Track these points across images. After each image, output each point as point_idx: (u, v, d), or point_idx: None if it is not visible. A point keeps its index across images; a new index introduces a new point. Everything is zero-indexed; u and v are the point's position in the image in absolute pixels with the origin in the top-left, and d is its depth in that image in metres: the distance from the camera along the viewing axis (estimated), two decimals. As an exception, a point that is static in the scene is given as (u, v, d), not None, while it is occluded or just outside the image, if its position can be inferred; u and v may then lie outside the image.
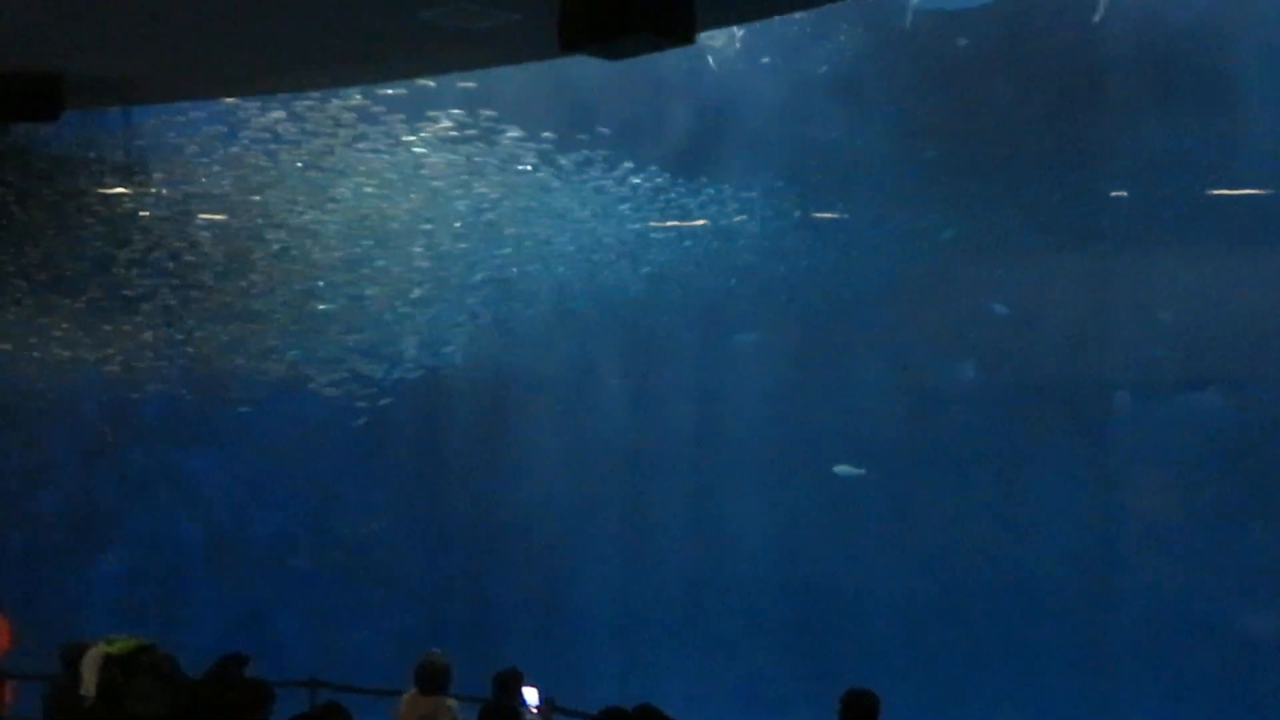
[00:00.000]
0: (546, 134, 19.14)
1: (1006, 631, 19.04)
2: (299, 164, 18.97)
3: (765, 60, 19.96)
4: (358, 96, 17.95)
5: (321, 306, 19.29)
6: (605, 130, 19.45)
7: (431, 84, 17.66)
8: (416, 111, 18.64)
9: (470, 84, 18.23)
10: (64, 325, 18.42)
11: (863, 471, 20.18)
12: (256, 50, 11.30)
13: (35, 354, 18.48)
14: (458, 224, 19.60)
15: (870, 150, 19.65)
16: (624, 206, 19.98)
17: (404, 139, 18.84)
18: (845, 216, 20.52)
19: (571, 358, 20.66)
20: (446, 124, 18.71)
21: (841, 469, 20.25)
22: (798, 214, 20.27)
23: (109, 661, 9.37)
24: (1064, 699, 18.48)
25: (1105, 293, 19.69)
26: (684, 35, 9.41)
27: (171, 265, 18.44)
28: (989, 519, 19.73)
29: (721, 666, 19.55)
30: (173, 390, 19.33)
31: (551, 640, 19.12)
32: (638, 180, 19.83)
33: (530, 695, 9.78)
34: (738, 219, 20.31)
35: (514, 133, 18.93)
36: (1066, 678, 18.71)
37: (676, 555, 20.20)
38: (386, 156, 18.94)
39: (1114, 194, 19.95)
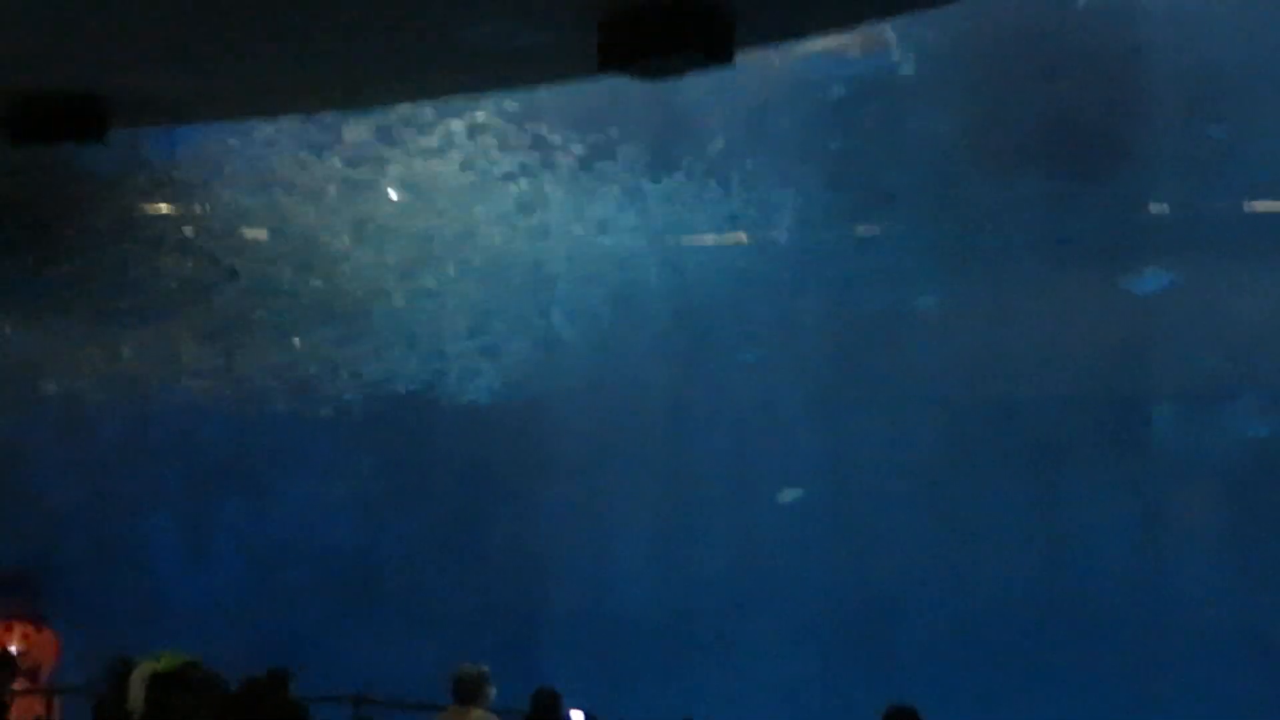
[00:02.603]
0: (581, 141, 19.23)
1: (1049, 645, 18.96)
2: (341, 178, 19.08)
3: (806, 67, 19.92)
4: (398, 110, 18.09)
5: (365, 316, 19.41)
6: (641, 138, 19.51)
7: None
8: (444, 120, 18.77)
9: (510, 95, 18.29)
10: (114, 340, 18.57)
11: (800, 493, 20.18)
12: (298, 70, 11.41)
13: (86, 368, 18.63)
14: (496, 235, 19.68)
15: (913, 162, 19.61)
16: (657, 216, 20.01)
17: (442, 150, 18.95)
18: (886, 228, 20.47)
19: (609, 368, 20.66)
20: (483, 131, 18.85)
21: (785, 494, 20.27)
22: (839, 227, 20.24)
23: (155, 678, 9.44)
24: (1108, 713, 18.40)
25: (1146, 304, 19.61)
26: (723, 56, 9.46)
27: (215, 281, 18.56)
28: (1033, 532, 19.65)
29: (763, 680, 19.51)
30: (215, 405, 19.42)
31: (592, 655, 19.11)
32: (672, 188, 19.86)
33: (576, 718, 9.79)
34: (777, 231, 20.31)
35: (551, 140, 19.04)
36: (1110, 691, 18.63)
37: (718, 568, 20.17)
38: (427, 165, 19.03)
39: (1155, 204, 19.87)
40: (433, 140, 18.96)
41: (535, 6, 9.45)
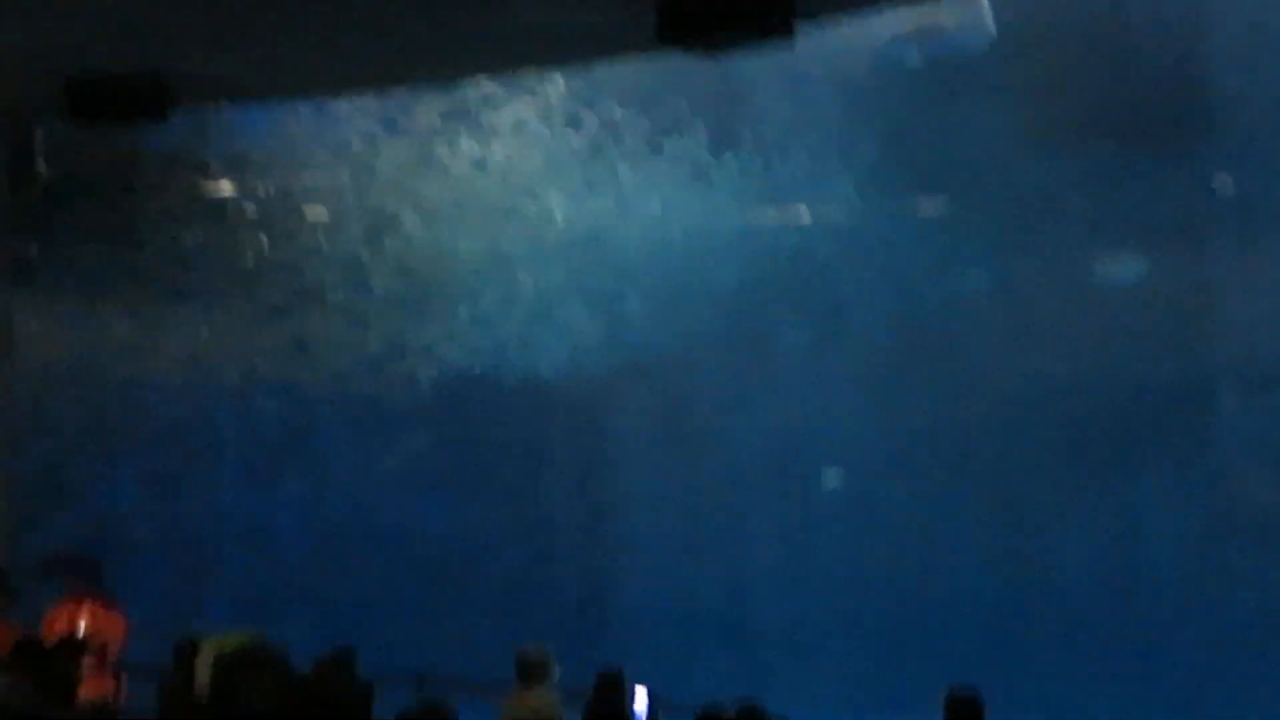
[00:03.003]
0: (645, 118, 19.18)
1: (1111, 634, 18.82)
2: (410, 157, 19.12)
3: (871, 42, 19.78)
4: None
5: (430, 298, 19.45)
6: (704, 115, 19.44)
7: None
8: (511, 98, 18.79)
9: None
10: (178, 320, 18.69)
11: (855, 477, 20.11)
12: (360, 49, 11.45)
13: (150, 348, 18.75)
14: (561, 213, 19.67)
15: (978, 140, 19.45)
16: (720, 194, 19.93)
17: (511, 128, 18.98)
18: (951, 209, 20.32)
19: (671, 348, 20.60)
20: (550, 109, 18.87)
21: (835, 479, 20.20)
22: (900, 205, 20.12)
23: (222, 657, 9.50)
24: (1169, 707, 18.25)
25: (1212, 285, 19.39)
26: (783, 31, 9.40)
27: (277, 261, 18.65)
28: (1093, 519, 19.49)
29: (828, 665, 19.48)
30: (281, 384, 19.51)
31: (654, 636, 19.12)
32: (735, 166, 19.78)
33: (640, 695, 9.80)
34: (837, 209, 20.20)
35: (616, 117, 19.03)
36: (1173, 686, 18.46)
37: (777, 552, 20.13)
38: (496, 144, 19.05)
39: (1218, 182, 19.61)
40: (502, 118, 18.96)
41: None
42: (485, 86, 18.35)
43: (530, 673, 9.65)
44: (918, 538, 19.60)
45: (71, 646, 10.59)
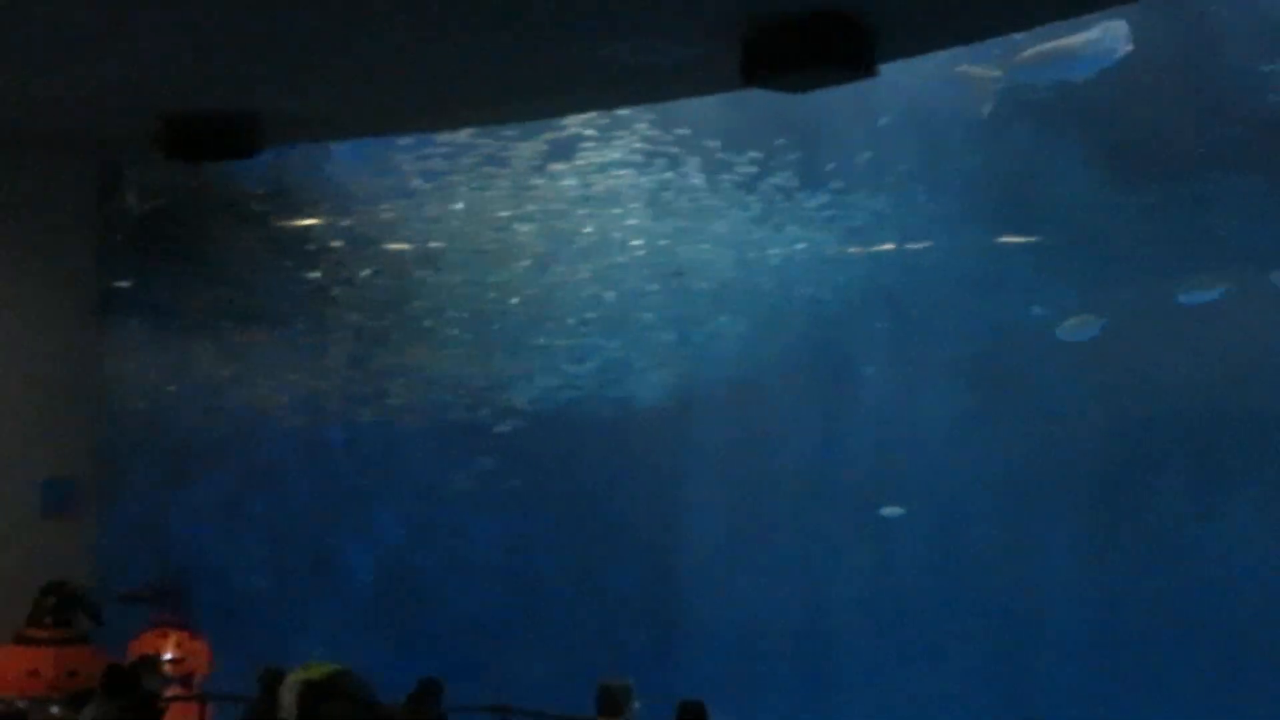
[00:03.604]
0: (735, 152, 19.29)
1: (1202, 663, 18.63)
2: (483, 191, 19.28)
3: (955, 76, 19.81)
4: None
5: (510, 328, 19.60)
6: (787, 149, 19.54)
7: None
8: (603, 134, 18.96)
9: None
10: (258, 354, 18.88)
11: (902, 511, 20.05)
12: (444, 86, 11.57)
13: (234, 380, 18.95)
14: (638, 244, 19.80)
15: (1061, 174, 19.42)
16: (806, 226, 20.00)
17: (596, 163, 19.15)
18: (1035, 240, 20.24)
19: (750, 378, 20.64)
20: (629, 143, 19.00)
21: (888, 510, 20.14)
22: (982, 238, 20.08)
23: (306, 686, 9.61)
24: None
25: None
26: (866, 69, 9.45)
27: (363, 295, 18.84)
28: (1182, 546, 19.33)
29: (904, 689, 19.40)
30: (364, 415, 19.67)
31: (733, 664, 19.10)
32: (821, 199, 19.86)
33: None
34: (924, 244, 20.20)
35: (705, 151, 19.15)
36: (1257, 712, 18.26)
37: (858, 577, 20.07)
38: (571, 180, 19.22)
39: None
40: (594, 153, 19.14)
41: (680, 22, 9.49)
42: (577, 123, 18.56)
43: (611, 704, 9.68)
44: (999, 565, 19.50)
45: (147, 669, 10.71)
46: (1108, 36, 17.29)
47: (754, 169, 19.49)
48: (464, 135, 18.32)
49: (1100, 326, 19.58)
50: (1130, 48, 17.27)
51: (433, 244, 19.35)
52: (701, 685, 10.81)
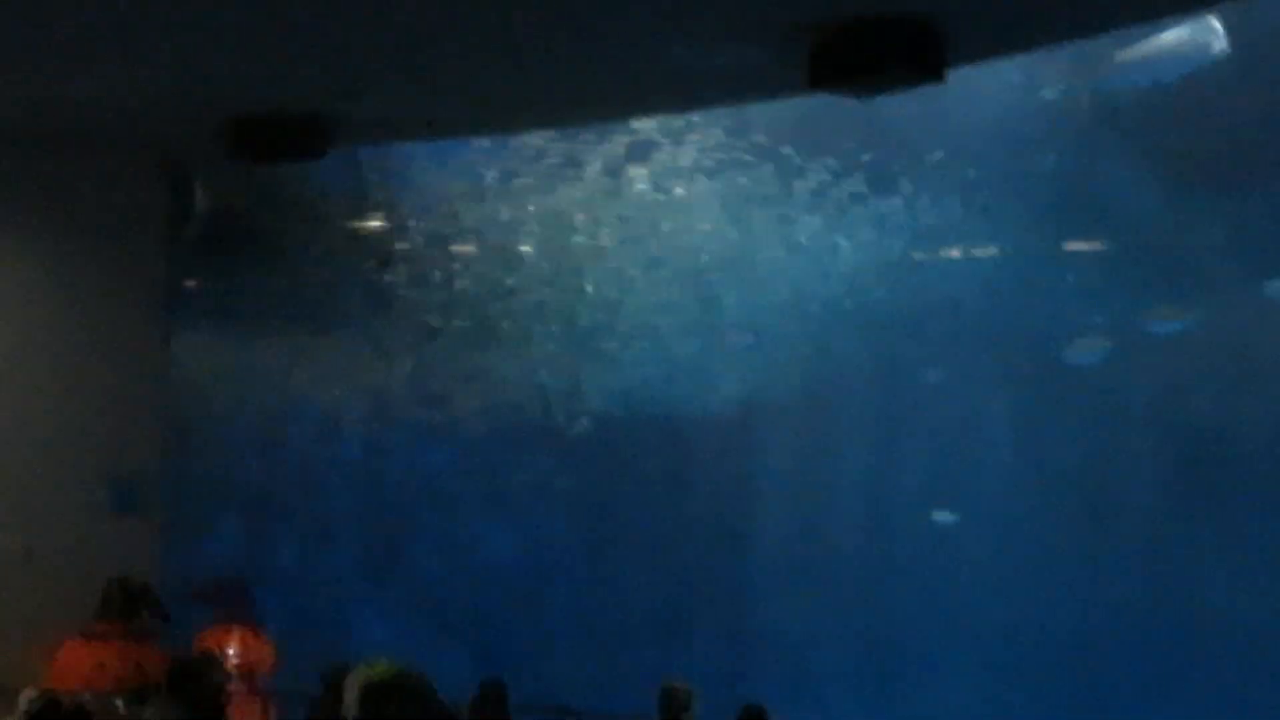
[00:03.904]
0: (808, 156, 19.29)
1: (1245, 681, 18.44)
2: (557, 194, 19.34)
3: (1021, 84, 19.73)
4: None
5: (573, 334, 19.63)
6: (858, 154, 19.52)
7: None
8: (675, 138, 19.03)
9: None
10: (325, 354, 18.97)
11: (956, 518, 19.95)
12: (512, 90, 11.62)
13: (304, 380, 19.05)
14: (708, 249, 19.81)
15: (1132, 180, 19.30)
16: (876, 231, 19.97)
17: (657, 166, 19.20)
18: (1104, 247, 20.11)
19: (816, 383, 20.60)
20: (702, 147, 19.04)
21: (940, 516, 20.05)
22: (1050, 243, 19.97)
23: (370, 685, 9.64)
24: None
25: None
26: (934, 73, 9.43)
27: (434, 296, 18.91)
28: (1257, 555, 19.14)
29: (973, 701, 19.31)
30: (432, 417, 19.74)
31: (797, 674, 19.06)
32: (890, 205, 19.84)
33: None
34: (990, 250, 20.13)
35: (776, 155, 19.16)
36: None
37: (919, 590, 19.99)
38: (645, 184, 19.27)
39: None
40: (662, 158, 19.20)
41: (747, 27, 9.50)
42: (651, 127, 18.62)
43: (673, 706, 9.69)
44: (1062, 574, 19.38)
45: (210, 665, 10.77)
46: (1200, 36, 17.05)
47: (826, 175, 19.48)
48: (536, 138, 18.37)
49: (1106, 351, 19.60)
50: (1225, 47, 17.05)
51: (505, 246, 19.42)
52: (763, 690, 10.82)
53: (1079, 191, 19.68)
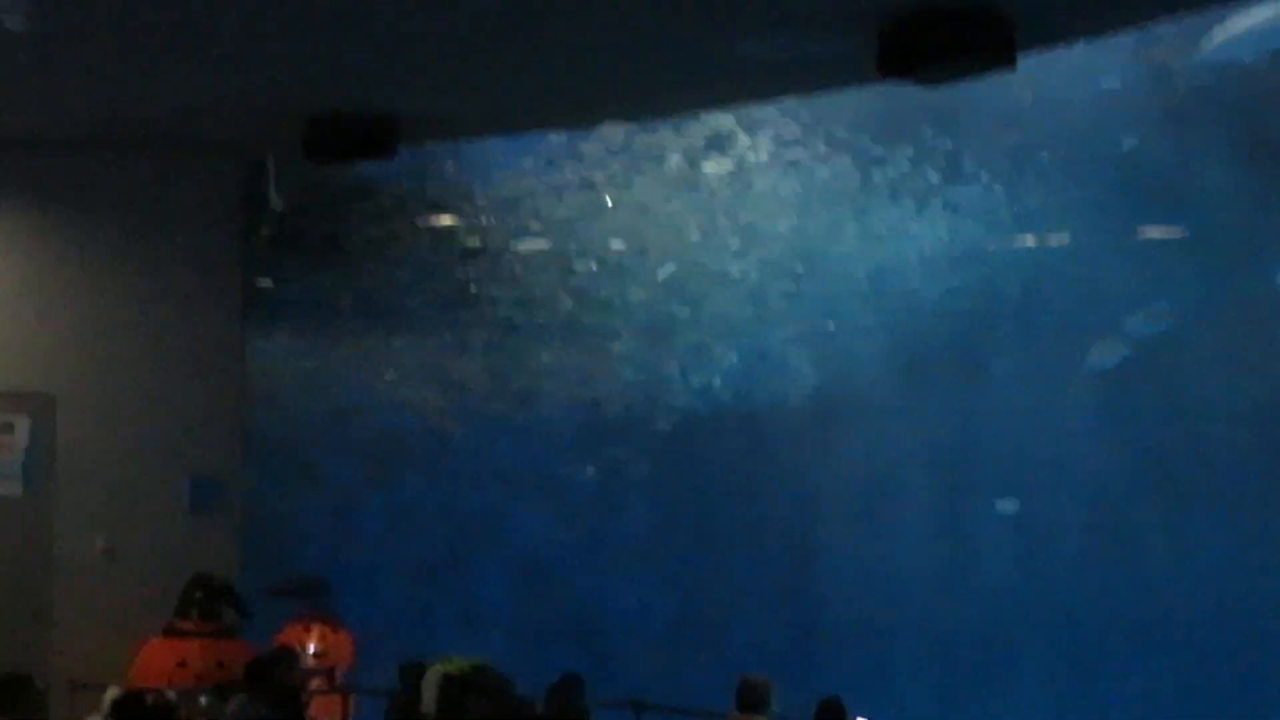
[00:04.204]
0: (871, 145, 19.26)
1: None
2: (619, 190, 19.34)
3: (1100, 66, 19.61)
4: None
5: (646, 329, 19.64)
6: (933, 142, 19.48)
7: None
8: (751, 129, 19.02)
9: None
10: (406, 352, 19.06)
11: (1016, 505, 19.84)
12: (581, 84, 11.63)
13: (374, 378, 19.14)
14: (784, 240, 19.76)
15: (1206, 169, 19.13)
16: (945, 221, 19.89)
17: (734, 157, 19.18)
18: (1179, 235, 19.95)
19: (889, 373, 20.53)
20: (779, 138, 19.02)
21: (1002, 504, 19.95)
22: (1123, 231, 19.82)
23: (448, 680, 9.71)
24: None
25: None
26: (1005, 61, 9.36)
27: (510, 292, 18.95)
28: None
29: (1047, 690, 19.21)
30: (501, 413, 19.79)
31: (873, 664, 19.00)
32: (963, 194, 19.76)
33: (859, 725, 9.76)
34: (1062, 237, 20.00)
35: (846, 144, 19.13)
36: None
37: (997, 577, 19.87)
38: (722, 176, 19.27)
39: None
40: (734, 151, 19.20)
41: (816, 16, 9.47)
42: (728, 118, 18.61)
43: (751, 700, 9.68)
44: (1134, 559, 19.25)
45: (288, 659, 10.87)
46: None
47: (904, 164, 19.47)
48: (612, 131, 18.40)
49: (1122, 355, 19.41)
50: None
51: (584, 241, 19.45)
52: (840, 681, 10.78)
53: (1155, 176, 19.54)
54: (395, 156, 12.66)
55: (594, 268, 19.38)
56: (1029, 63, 9.86)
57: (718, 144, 19.08)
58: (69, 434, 13.31)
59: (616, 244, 19.45)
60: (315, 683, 13.48)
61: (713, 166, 19.21)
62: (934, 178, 19.63)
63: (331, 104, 11.85)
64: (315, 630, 14.41)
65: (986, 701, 19.15)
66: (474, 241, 18.97)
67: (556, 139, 18.40)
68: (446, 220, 18.84)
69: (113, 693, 9.78)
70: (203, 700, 11.00)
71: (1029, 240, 20.27)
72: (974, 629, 19.72)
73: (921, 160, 19.51)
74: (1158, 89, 19.39)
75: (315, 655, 14.18)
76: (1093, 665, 19.20)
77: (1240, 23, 17.26)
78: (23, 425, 13.26)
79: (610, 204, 19.27)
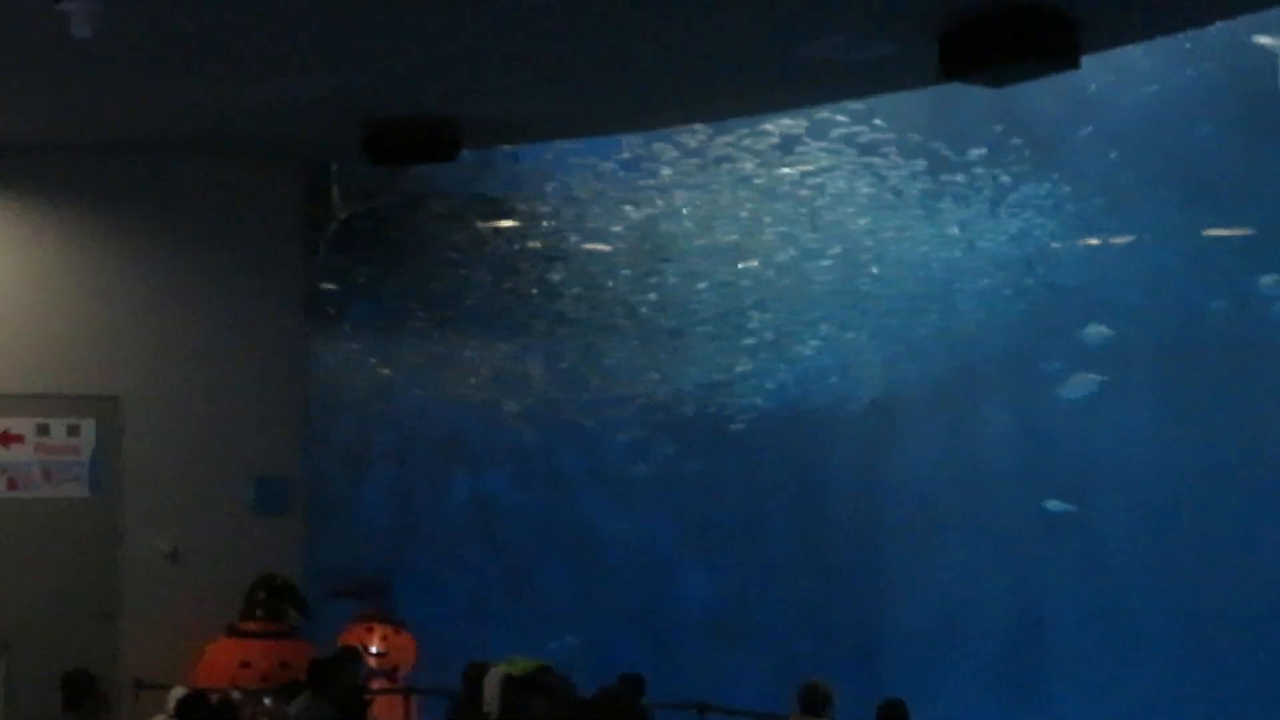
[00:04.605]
0: (943, 148, 19.22)
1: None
2: (680, 192, 19.34)
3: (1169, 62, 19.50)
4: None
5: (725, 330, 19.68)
6: (1001, 143, 19.44)
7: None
8: (817, 131, 19.02)
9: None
10: (460, 353, 19.12)
11: (1073, 508, 19.71)
12: (642, 88, 11.65)
13: (436, 381, 19.20)
14: (849, 242, 19.73)
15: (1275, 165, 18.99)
16: (1014, 221, 19.83)
17: (801, 159, 19.17)
18: (1246, 232, 19.79)
19: (953, 374, 20.46)
20: (847, 139, 19.01)
21: (1053, 504, 19.82)
22: (1195, 228, 19.70)
23: (510, 681, 9.75)
24: None
25: None
26: (1069, 60, 9.31)
27: (575, 294, 18.99)
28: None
29: (1114, 691, 19.08)
30: (564, 415, 19.83)
31: (937, 668, 18.93)
32: (1030, 194, 19.71)
33: (919, 728, 9.73)
34: (1129, 237, 19.89)
35: (899, 146, 19.09)
36: None
37: (1062, 578, 19.76)
38: (789, 177, 19.25)
39: None
40: (812, 152, 19.18)
41: (878, 18, 9.44)
42: (793, 119, 18.60)
43: (813, 702, 9.67)
44: (1201, 562, 19.10)
45: (352, 659, 10.93)
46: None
47: (976, 165, 19.42)
48: (677, 134, 18.43)
49: (1098, 384, 19.39)
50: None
51: (655, 242, 19.45)
52: (902, 684, 10.75)
53: (1225, 173, 19.42)
54: (458, 159, 12.72)
55: (668, 268, 19.39)
56: (1101, 60, 9.80)
57: (790, 146, 19.04)
58: (135, 436, 13.43)
59: (687, 244, 19.44)
60: (377, 683, 13.56)
61: (786, 168, 19.17)
62: (1007, 177, 19.58)
63: (394, 107, 11.92)
64: (378, 631, 14.50)
65: (1048, 706, 19.05)
66: (539, 243, 18.99)
67: (629, 139, 18.42)
68: (512, 222, 18.86)
69: (178, 692, 9.88)
70: (266, 700, 11.08)
71: (1096, 239, 20.18)
72: (1038, 633, 19.63)
73: (992, 160, 19.45)
74: (1234, 85, 19.30)
75: (377, 656, 14.27)
76: (1160, 669, 19.08)
77: None
78: (89, 427, 13.38)
79: (682, 205, 19.27)
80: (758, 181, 19.18)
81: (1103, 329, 19.93)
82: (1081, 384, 19.72)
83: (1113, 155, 19.79)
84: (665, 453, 19.95)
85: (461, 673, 10.68)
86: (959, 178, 19.44)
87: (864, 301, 19.89)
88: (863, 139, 19.07)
